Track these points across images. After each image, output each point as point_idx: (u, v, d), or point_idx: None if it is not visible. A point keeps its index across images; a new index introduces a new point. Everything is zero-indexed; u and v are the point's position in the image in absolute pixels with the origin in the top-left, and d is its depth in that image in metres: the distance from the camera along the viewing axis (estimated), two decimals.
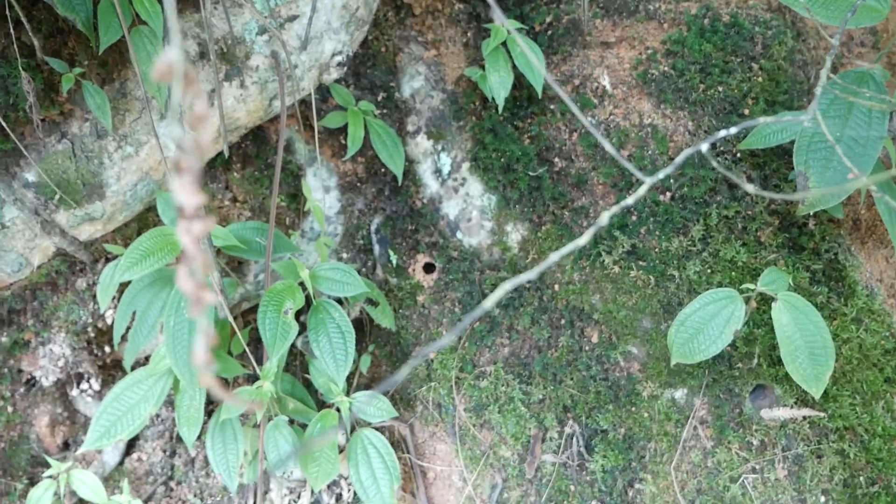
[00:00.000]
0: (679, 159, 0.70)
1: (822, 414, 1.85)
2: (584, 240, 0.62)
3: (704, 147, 0.71)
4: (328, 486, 1.95)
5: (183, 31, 1.71)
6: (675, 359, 1.71)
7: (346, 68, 1.90)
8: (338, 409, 1.79)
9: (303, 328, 1.95)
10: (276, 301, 1.69)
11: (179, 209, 0.43)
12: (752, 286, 1.68)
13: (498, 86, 2.00)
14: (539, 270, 0.61)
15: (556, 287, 2.02)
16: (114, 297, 1.88)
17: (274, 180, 1.83)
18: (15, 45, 1.55)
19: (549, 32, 2.26)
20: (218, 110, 1.73)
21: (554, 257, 0.59)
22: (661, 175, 0.69)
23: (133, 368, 1.82)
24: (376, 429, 1.90)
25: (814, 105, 0.95)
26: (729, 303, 1.68)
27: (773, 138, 1.88)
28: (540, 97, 2.09)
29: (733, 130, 0.75)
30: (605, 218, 0.62)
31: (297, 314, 1.91)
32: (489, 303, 0.58)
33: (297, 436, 1.78)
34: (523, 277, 0.63)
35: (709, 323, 1.69)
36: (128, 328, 1.79)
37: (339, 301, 2.03)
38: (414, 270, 2.12)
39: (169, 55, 0.42)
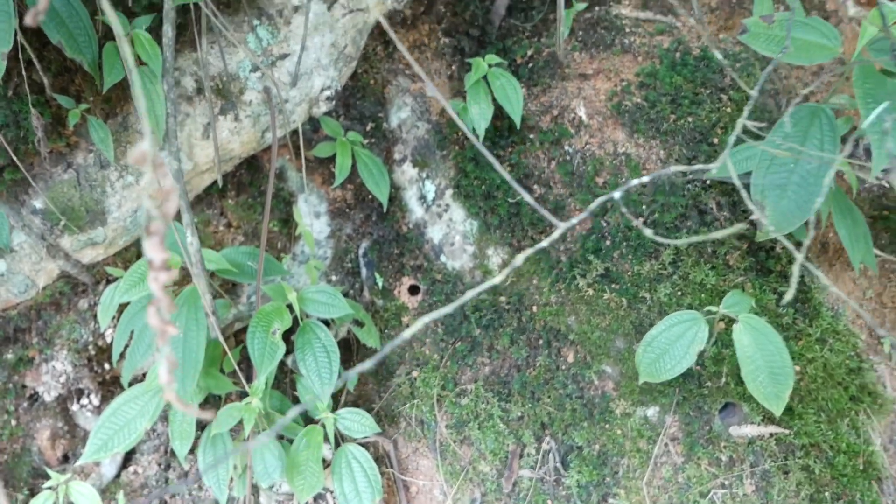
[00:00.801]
0: (593, 206, 0.80)
1: (788, 431, 1.93)
2: (498, 279, 0.72)
3: (617, 194, 0.82)
4: (315, 500, 2.04)
5: (181, 68, 1.84)
6: (643, 378, 1.80)
7: (334, 102, 2.02)
8: (323, 425, 1.88)
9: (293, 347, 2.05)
10: (265, 322, 1.79)
11: (149, 262, 0.54)
12: (715, 308, 1.77)
13: (479, 117, 2.11)
14: (461, 303, 0.70)
15: (534, 308, 2.12)
16: (113, 317, 1.98)
17: (265, 208, 1.94)
18: (26, 84, 1.68)
19: (530, 65, 2.38)
20: (213, 142, 1.85)
21: (470, 294, 0.69)
22: (575, 221, 0.79)
23: (131, 385, 1.92)
24: (361, 444, 1.98)
25: (724, 155, 1.05)
26: (693, 324, 1.77)
27: (739, 167, 1.98)
28: (519, 128, 2.21)
29: (645, 179, 0.85)
30: (519, 260, 0.72)
31: (289, 333, 2.01)
32: (408, 333, 0.67)
33: (284, 450, 1.87)
34: (442, 311, 0.72)
35: (674, 344, 1.77)
36: (126, 346, 1.90)
37: (327, 322, 2.13)
38: (399, 292, 2.22)
39: (142, 146, 0.53)
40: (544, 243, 0.76)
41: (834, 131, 1.69)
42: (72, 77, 1.76)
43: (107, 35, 1.67)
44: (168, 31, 1.60)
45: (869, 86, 1.64)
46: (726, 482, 1.92)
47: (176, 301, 1.76)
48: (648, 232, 0.76)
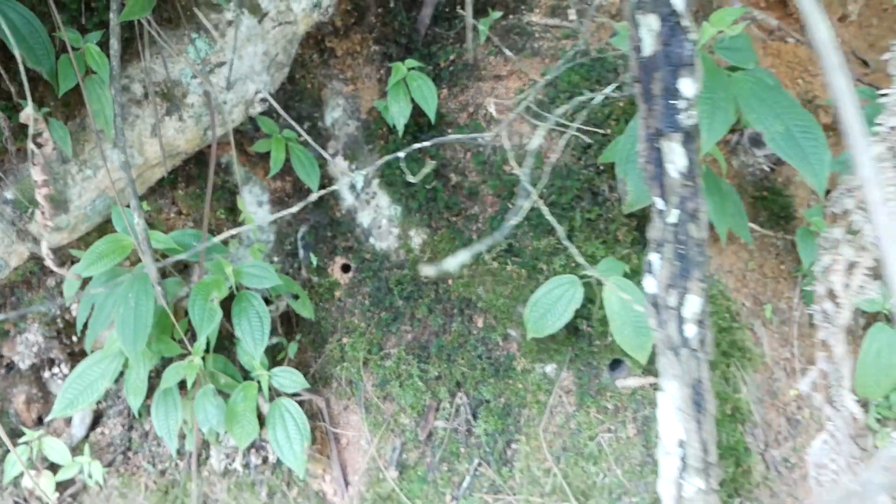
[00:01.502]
0: (378, 162, 1.08)
1: None
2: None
3: (402, 154, 1.10)
4: (256, 450, 2.32)
5: (130, 76, 2.13)
6: (530, 334, 2.08)
7: (268, 103, 2.31)
8: (258, 382, 2.17)
9: None
10: (204, 291, 2.08)
11: (34, 181, 0.83)
12: (590, 273, 2.05)
13: (398, 114, 2.40)
14: None
15: (450, 281, 2.41)
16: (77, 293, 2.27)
17: (207, 195, 2.23)
18: None
19: (451, 68, 2.67)
20: (158, 140, 2.15)
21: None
22: (363, 174, 1.08)
23: (93, 352, 2.21)
24: (299, 403, 2.27)
25: (501, 126, 1.33)
26: (570, 287, 2.05)
27: (617, 156, 2.26)
28: (437, 124, 2.50)
29: (422, 146, 1.13)
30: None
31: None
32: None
33: (225, 402, 2.15)
34: None
35: (555, 304, 2.06)
36: (88, 318, 2.18)
37: (267, 300, 2.42)
38: (333, 270, 2.51)
39: (26, 110, 0.82)
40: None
41: None
42: (35, 84, 2.06)
43: (63, 48, 1.96)
44: (114, 44, 1.90)
45: (708, 81, 1.93)
46: (612, 427, 2.20)
47: (129, 276, 2.05)
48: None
